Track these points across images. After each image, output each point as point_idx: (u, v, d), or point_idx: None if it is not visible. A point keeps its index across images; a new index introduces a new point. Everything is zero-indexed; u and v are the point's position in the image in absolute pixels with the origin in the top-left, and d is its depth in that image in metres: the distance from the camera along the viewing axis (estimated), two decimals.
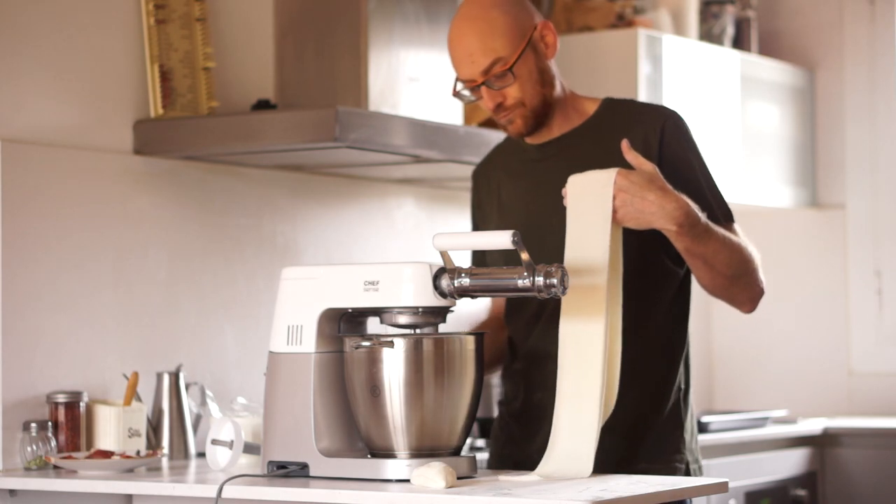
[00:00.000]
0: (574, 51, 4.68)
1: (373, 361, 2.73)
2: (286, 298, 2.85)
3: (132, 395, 3.44)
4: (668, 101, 4.66)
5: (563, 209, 2.84)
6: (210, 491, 2.80)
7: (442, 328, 2.82)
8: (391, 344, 2.71)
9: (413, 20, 4.00)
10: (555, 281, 2.65)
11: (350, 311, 2.82)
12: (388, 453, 2.75)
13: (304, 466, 2.79)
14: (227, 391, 3.79)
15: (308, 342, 2.80)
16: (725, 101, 5.05)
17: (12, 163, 3.41)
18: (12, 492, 3.21)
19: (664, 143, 2.98)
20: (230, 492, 2.75)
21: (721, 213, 2.97)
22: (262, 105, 3.81)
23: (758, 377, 5.54)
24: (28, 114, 3.49)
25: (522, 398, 3.05)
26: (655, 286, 3.00)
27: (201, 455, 3.53)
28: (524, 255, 2.67)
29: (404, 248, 4.36)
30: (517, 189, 3.09)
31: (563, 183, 2.85)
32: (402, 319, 2.77)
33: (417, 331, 2.77)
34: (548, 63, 3.00)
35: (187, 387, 3.64)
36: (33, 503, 3.23)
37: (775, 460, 4.74)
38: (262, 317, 3.91)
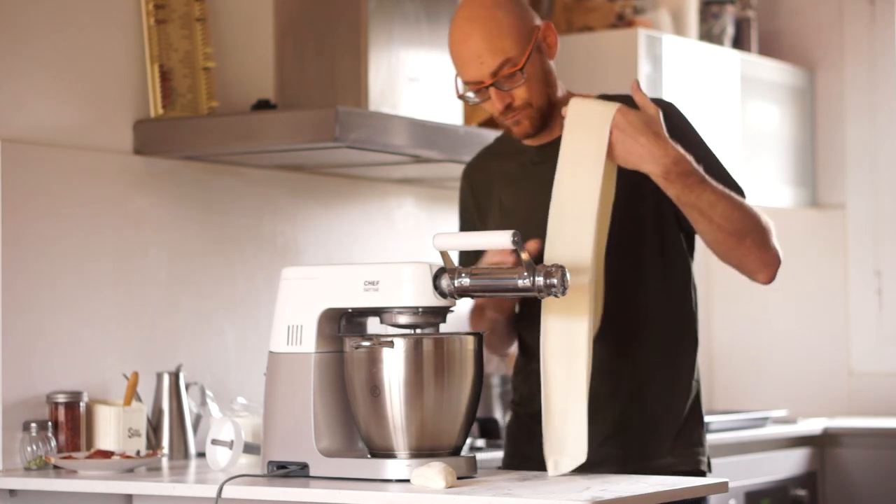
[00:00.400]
0: (574, 51, 4.68)
1: (373, 361, 2.73)
2: (286, 298, 2.85)
3: (132, 395, 3.44)
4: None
5: None
6: (210, 491, 2.80)
7: (442, 328, 2.82)
8: (391, 344, 2.71)
9: (413, 20, 4.00)
10: (555, 281, 2.65)
11: (350, 311, 2.82)
12: (388, 453, 2.75)
13: (304, 466, 2.78)
14: (227, 391, 3.79)
15: (308, 342, 2.80)
16: (725, 101, 5.04)
17: (12, 163, 3.41)
18: (12, 492, 3.21)
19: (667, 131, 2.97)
20: (230, 492, 2.75)
21: (731, 189, 2.93)
22: (262, 105, 3.81)
23: (758, 377, 5.54)
24: (28, 114, 3.49)
25: (541, 398, 3.03)
26: (679, 269, 3.02)
27: (201, 455, 3.53)
28: (524, 255, 2.67)
29: (404, 248, 4.36)
30: (519, 192, 3.06)
31: None
32: (402, 319, 2.76)
33: (417, 331, 2.77)
34: (550, 63, 3.00)
35: (187, 387, 3.64)
36: (33, 503, 3.23)
37: (775, 460, 4.74)
38: (262, 317, 3.91)
